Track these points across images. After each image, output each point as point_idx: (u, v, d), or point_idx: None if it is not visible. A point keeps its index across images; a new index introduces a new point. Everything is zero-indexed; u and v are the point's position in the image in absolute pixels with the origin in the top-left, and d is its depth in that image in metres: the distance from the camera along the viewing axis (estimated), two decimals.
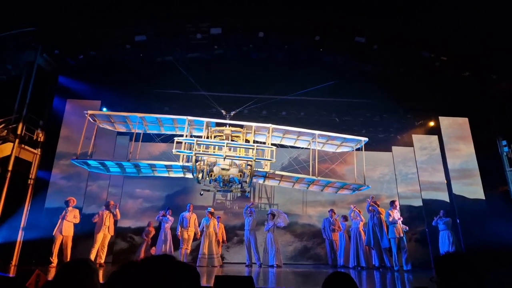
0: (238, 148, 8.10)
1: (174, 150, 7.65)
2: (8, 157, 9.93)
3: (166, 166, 8.56)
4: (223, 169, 7.68)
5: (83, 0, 9.62)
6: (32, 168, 10.70)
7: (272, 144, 9.09)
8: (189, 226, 9.71)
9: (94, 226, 9.57)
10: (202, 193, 8.88)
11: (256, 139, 8.69)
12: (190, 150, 7.76)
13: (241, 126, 8.44)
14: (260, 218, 10.87)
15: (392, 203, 9.30)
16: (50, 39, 10.49)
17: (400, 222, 8.94)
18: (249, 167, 7.79)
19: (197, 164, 7.88)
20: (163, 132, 9.22)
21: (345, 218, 10.23)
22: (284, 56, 11.50)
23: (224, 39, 11.09)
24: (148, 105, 11.89)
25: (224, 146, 7.49)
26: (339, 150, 9.54)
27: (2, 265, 8.92)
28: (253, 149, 7.60)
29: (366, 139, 8.80)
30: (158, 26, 10.65)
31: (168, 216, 9.91)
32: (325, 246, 10.77)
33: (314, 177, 8.12)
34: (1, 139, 9.99)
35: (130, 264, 1.24)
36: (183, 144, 7.83)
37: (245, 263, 10.18)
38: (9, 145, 9.96)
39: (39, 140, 10.94)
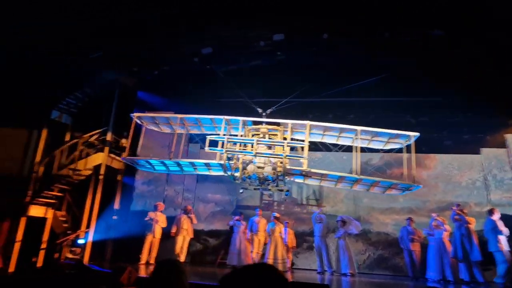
0: (270, 145, 7.84)
1: (206, 148, 7.57)
2: (100, 165, 11.26)
3: (205, 164, 8.62)
4: (258, 167, 7.44)
5: (155, 25, 10.40)
6: (119, 175, 11.96)
7: (321, 143, 8.82)
8: (259, 231, 9.86)
9: (170, 229, 10.27)
10: (242, 191, 8.81)
11: (297, 137, 8.33)
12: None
13: (278, 124, 8.13)
14: (330, 225, 10.51)
15: (491, 212, 8.16)
16: (130, 58, 11.58)
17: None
18: (281, 164, 7.45)
19: (231, 162, 7.75)
20: (203, 132, 9.18)
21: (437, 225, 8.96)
22: (351, 57, 11.03)
23: (287, 45, 11.06)
24: (217, 113, 12.38)
25: (253, 143, 7.28)
26: (387, 147, 8.61)
27: (98, 261, 10.11)
28: (283, 145, 7.28)
29: (417, 134, 7.81)
30: (223, 37, 11.07)
31: (241, 220, 10.18)
32: (403, 256, 10.00)
33: (356, 176, 7.59)
34: (94, 149, 11.39)
35: (237, 272, 1.33)
36: (219, 143, 7.66)
37: (315, 270, 9.97)
38: (100, 155, 11.28)
39: (124, 148, 12.18)
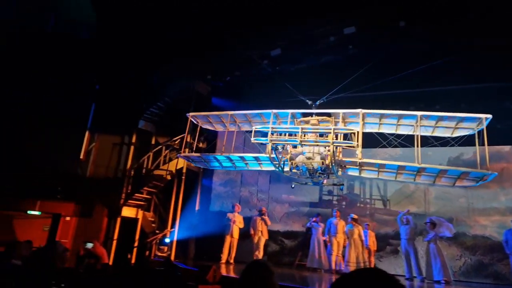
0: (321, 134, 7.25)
1: (252, 139, 7.33)
2: (182, 168, 12.02)
3: (255, 158, 8.43)
4: (308, 158, 7.02)
5: (225, 32, 10.79)
6: (199, 177, 12.63)
7: (378, 133, 7.94)
8: (338, 233, 9.53)
9: (246, 229, 10.48)
10: (293, 185, 8.52)
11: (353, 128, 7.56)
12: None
13: (329, 115, 7.66)
14: (418, 227, 9.63)
15: None
16: (203, 67, 12.19)
17: None
18: (329, 153, 6.86)
19: (280, 154, 7.44)
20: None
21: None
22: (428, 45, 10.09)
23: (358, 37, 10.57)
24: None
25: (298, 131, 6.82)
26: (456, 134, 7.53)
27: (182, 259, 10.76)
28: (330, 133, 6.73)
29: (489, 116, 6.72)
30: (291, 37, 11.01)
31: (318, 222, 9.97)
32: (508, 262, 8.76)
33: (417, 165, 6.72)
34: (176, 153, 12.20)
35: (349, 277, 1.25)
36: (268, 135, 7.31)
37: (403, 275, 9.25)
38: (181, 159, 12.04)
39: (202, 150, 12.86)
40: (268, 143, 6.96)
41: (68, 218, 10.92)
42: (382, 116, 7.41)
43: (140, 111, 12.49)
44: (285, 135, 7.38)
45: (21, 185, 11.03)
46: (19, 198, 10.81)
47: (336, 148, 7.19)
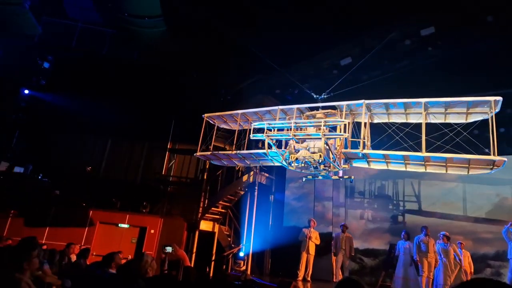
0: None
1: (251, 135, 7.09)
2: (254, 183, 12.17)
3: (264, 154, 8.03)
4: (313, 152, 6.75)
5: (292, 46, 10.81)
6: (271, 191, 12.64)
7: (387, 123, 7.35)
8: (429, 252, 8.57)
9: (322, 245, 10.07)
10: (304, 179, 8.37)
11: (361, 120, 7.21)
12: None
13: (334, 108, 7.45)
14: None
15: None
16: (275, 81, 12.34)
17: None
18: (326, 145, 6.63)
19: (280, 149, 7.26)
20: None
21: None
22: None
23: (439, 37, 9.70)
24: None
25: (291, 125, 6.69)
26: (470, 119, 6.92)
27: (259, 274, 10.72)
28: (321, 125, 6.53)
29: (499, 98, 6.16)
30: (363, 44, 10.58)
31: (405, 240, 9.15)
32: None
33: (420, 154, 6.41)
34: (246, 169, 12.44)
35: None
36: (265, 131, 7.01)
37: None
38: (252, 174, 12.23)
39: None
40: (264, 139, 6.89)
41: (152, 231, 11.72)
42: (387, 106, 7.14)
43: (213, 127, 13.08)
44: (288, 130, 7.15)
45: (113, 200, 12.26)
46: (113, 212, 11.99)
47: (330, 140, 7.03)
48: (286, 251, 10.99)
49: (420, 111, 6.82)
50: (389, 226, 11.04)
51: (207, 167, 12.89)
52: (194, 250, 11.89)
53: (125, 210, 12.19)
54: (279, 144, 7.45)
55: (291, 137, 6.73)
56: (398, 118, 7.40)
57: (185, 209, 12.43)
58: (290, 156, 6.99)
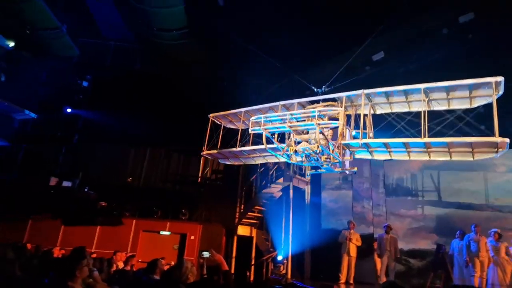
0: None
1: (250, 129, 7.03)
2: (288, 186, 12.05)
3: (264, 150, 7.84)
4: (312, 144, 6.66)
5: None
6: (306, 194, 12.46)
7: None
8: (480, 251, 8.03)
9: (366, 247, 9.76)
10: (308, 173, 8.20)
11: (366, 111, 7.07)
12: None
13: (334, 100, 7.28)
14: None
15: None
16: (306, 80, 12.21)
17: None
18: (321, 135, 6.50)
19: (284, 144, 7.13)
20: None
21: None
22: None
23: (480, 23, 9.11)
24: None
25: (287, 117, 6.51)
26: (475, 104, 6.52)
27: (300, 278, 10.58)
28: (315, 116, 6.35)
29: (500, 78, 5.80)
30: (394, 37, 10.20)
31: (458, 239, 8.67)
32: None
33: (420, 140, 6.15)
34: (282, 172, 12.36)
35: None
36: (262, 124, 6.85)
37: None
38: (288, 177, 12.13)
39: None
40: (261, 132, 6.82)
41: (192, 237, 11.97)
42: (387, 94, 6.89)
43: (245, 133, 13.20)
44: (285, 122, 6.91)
45: (154, 209, 12.69)
46: (154, 220, 12.41)
47: (329, 131, 6.88)
48: (326, 254, 10.75)
49: (421, 98, 6.53)
50: (435, 225, 10.48)
51: (240, 172, 12.98)
52: (234, 255, 11.97)
53: (166, 218, 12.58)
54: (282, 138, 7.41)
55: (287, 129, 6.64)
56: (400, 108, 7.16)
57: (223, 215, 12.59)
58: (289, 149, 6.91)
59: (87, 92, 14.85)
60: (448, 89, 6.36)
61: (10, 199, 12.77)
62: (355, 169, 7.73)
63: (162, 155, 14.68)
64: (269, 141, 6.94)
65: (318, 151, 6.61)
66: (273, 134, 7.05)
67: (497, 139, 5.53)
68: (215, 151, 8.77)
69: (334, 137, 6.90)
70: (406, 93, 6.71)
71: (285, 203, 12.21)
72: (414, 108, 6.85)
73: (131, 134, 13.96)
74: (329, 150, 6.68)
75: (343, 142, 6.86)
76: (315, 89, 7.99)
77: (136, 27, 13.04)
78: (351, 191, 11.73)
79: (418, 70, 9.88)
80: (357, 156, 7.49)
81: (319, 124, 6.26)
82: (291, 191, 12.02)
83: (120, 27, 13.69)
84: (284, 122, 6.46)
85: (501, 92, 5.93)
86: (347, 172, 7.95)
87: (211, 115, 9.12)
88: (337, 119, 6.58)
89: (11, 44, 14.06)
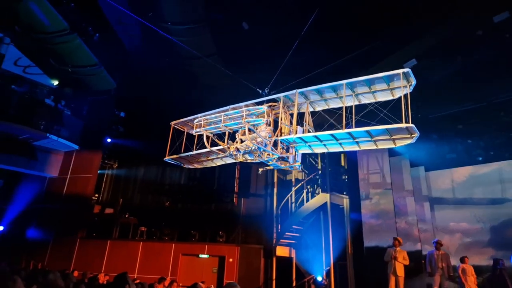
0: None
1: (194, 132, 7.53)
2: (325, 203, 11.74)
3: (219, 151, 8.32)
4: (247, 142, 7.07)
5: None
6: (345, 211, 12.03)
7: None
8: None
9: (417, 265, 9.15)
10: (260, 172, 8.62)
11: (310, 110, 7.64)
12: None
13: (275, 100, 7.73)
14: None
15: None
16: None
17: None
18: (250, 132, 6.94)
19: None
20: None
21: None
22: None
23: None
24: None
25: (221, 119, 7.14)
26: (397, 95, 6.81)
27: None
28: (242, 115, 6.89)
29: (408, 69, 6.22)
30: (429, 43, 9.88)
31: None
32: None
33: (342, 131, 6.66)
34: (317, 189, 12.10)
35: None
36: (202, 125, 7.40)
37: None
38: (323, 194, 11.85)
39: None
40: (202, 133, 7.40)
41: (231, 260, 11.86)
42: (319, 91, 7.34)
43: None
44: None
45: (191, 232, 12.79)
46: (192, 243, 12.47)
47: (266, 128, 7.32)
48: (371, 275, 10.20)
49: (351, 93, 7.02)
50: (490, 238, 9.66)
51: (275, 191, 12.85)
52: (274, 277, 11.68)
53: (204, 240, 12.61)
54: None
55: (222, 129, 7.21)
56: (335, 103, 7.56)
57: (260, 236, 12.43)
58: (230, 148, 7.36)
59: (124, 122, 15.61)
60: (367, 83, 6.74)
61: (58, 226, 13.49)
62: (298, 163, 7.97)
63: (197, 177, 14.94)
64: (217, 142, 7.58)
65: (253, 148, 7.08)
66: (217, 135, 7.58)
67: (405, 124, 5.97)
68: (176, 156, 9.01)
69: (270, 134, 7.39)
70: (333, 89, 7.05)
71: (324, 221, 11.86)
72: (349, 103, 7.11)
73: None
74: (267, 147, 7.19)
75: (280, 138, 7.33)
76: (260, 91, 8.39)
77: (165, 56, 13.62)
78: (393, 206, 11.17)
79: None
80: (300, 151, 7.94)
81: (248, 122, 6.82)
82: (329, 208, 11.69)
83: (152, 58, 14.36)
84: (219, 123, 7.09)
85: (414, 82, 6.29)
86: (297, 167, 8.25)
87: (172, 122, 9.21)
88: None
89: (55, 82, 15.23)
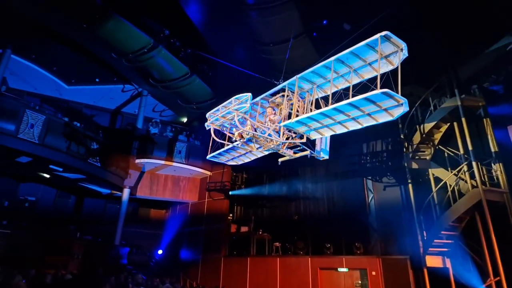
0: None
1: (205, 124, 7.79)
2: (480, 201, 9.91)
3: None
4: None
5: None
6: (509, 208, 9.92)
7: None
8: None
9: None
10: (280, 162, 8.45)
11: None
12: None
13: (284, 90, 7.69)
14: None
15: None
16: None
17: None
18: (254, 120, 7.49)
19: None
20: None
21: None
22: None
23: None
24: None
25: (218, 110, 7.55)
26: (395, 62, 6.17)
27: None
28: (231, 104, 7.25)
29: (385, 32, 5.61)
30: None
31: None
32: None
33: (330, 107, 6.40)
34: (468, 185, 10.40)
35: None
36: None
37: None
38: (475, 191, 10.06)
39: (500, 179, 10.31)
40: (210, 126, 7.72)
41: (374, 273, 11.05)
42: (317, 73, 7.15)
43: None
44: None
45: (326, 245, 12.50)
46: (329, 257, 12.17)
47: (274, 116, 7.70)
48: None
49: (349, 70, 6.72)
50: None
51: (411, 192, 11.55)
52: None
53: (340, 253, 12.16)
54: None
55: (220, 120, 7.47)
56: (341, 84, 7.21)
57: (401, 245, 11.29)
58: (235, 135, 7.60)
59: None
60: (356, 54, 6.34)
61: (204, 246, 15.10)
62: (307, 152, 7.90)
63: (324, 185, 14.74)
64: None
65: (251, 134, 7.30)
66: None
67: (378, 90, 5.64)
68: (213, 154, 9.17)
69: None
70: (327, 67, 6.80)
71: (481, 223, 10.00)
72: (354, 81, 6.69)
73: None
74: (270, 133, 7.42)
75: (282, 124, 7.33)
76: (275, 82, 8.19)
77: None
78: None
79: None
80: (312, 136, 7.76)
81: (236, 110, 7.05)
82: (485, 208, 9.81)
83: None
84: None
85: (403, 45, 5.82)
86: (323, 156, 8.16)
87: (211, 124, 8.82)
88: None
89: (184, 120, 17.38)
